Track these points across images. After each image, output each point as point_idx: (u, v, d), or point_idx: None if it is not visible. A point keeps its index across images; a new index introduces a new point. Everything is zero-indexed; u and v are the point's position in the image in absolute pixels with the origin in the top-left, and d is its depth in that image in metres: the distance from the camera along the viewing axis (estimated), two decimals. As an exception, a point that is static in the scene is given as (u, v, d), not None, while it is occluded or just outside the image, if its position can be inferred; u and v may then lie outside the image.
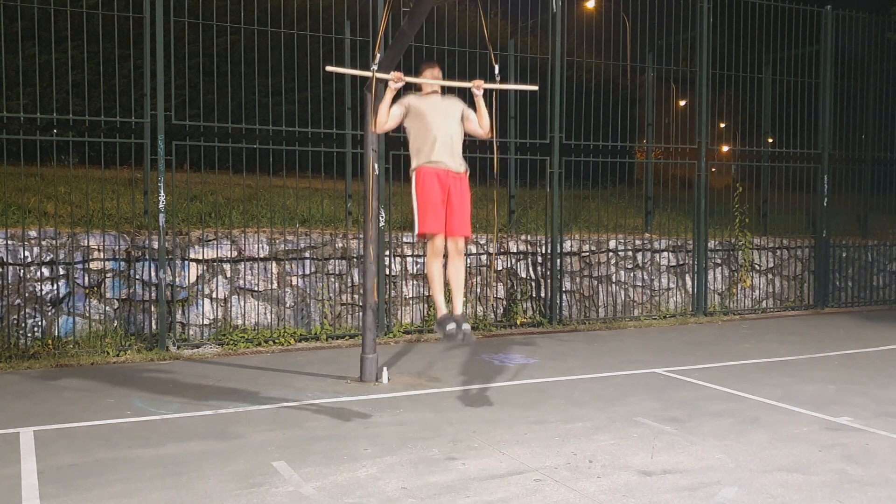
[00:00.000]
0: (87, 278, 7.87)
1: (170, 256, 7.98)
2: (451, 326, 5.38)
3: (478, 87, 5.62)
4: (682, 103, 18.79)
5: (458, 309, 5.54)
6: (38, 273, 7.67)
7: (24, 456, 4.78)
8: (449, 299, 5.62)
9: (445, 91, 5.80)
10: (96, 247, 7.89)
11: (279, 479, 4.42)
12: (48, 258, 7.70)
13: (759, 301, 11.65)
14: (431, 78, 5.72)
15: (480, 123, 5.67)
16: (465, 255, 6.22)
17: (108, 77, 9.68)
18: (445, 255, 5.57)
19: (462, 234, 5.54)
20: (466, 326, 5.42)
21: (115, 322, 7.95)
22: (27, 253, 7.64)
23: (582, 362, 7.78)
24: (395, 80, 5.59)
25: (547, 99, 9.99)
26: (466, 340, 5.42)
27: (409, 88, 5.83)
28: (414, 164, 5.60)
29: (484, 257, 9.72)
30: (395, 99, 5.68)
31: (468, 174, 5.66)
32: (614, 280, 10.55)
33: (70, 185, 8.29)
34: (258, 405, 6.00)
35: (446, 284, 5.60)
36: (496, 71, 5.83)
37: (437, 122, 5.55)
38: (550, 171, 9.93)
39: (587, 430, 5.42)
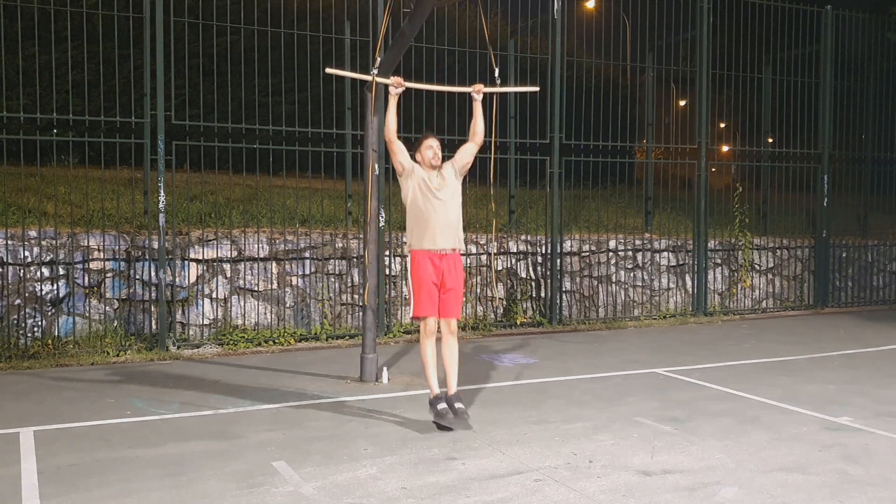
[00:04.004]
0: (86, 278, 7.87)
1: (170, 256, 7.99)
2: (441, 406, 5.34)
3: (478, 91, 5.61)
4: (682, 103, 18.80)
5: (453, 388, 5.48)
6: (38, 273, 7.67)
7: (25, 456, 4.78)
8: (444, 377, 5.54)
9: (441, 164, 5.59)
10: (96, 247, 7.89)
11: (279, 479, 4.42)
12: (48, 258, 7.70)
13: (759, 301, 11.65)
14: (431, 153, 5.54)
15: (474, 129, 5.62)
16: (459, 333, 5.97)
17: (108, 77, 9.69)
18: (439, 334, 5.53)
19: (454, 315, 5.50)
20: (460, 405, 5.37)
21: (115, 322, 7.95)
22: (27, 253, 7.64)
23: (582, 362, 7.78)
24: (396, 84, 5.59)
25: (547, 99, 9.99)
26: (460, 420, 5.27)
27: (408, 93, 5.81)
28: (409, 241, 5.55)
29: (484, 257, 9.72)
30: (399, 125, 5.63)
31: (463, 249, 5.58)
32: (614, 280, 10.55)
33: (70, 185, 8.28)
34: (258, 405, 6.00)
35: (440, 364, 5.54)
36: (496, 74, 5.82)
37: (434, 204, 5.44)
38: (550, 171, 9.93)
39: (587, 430, 5.42)
